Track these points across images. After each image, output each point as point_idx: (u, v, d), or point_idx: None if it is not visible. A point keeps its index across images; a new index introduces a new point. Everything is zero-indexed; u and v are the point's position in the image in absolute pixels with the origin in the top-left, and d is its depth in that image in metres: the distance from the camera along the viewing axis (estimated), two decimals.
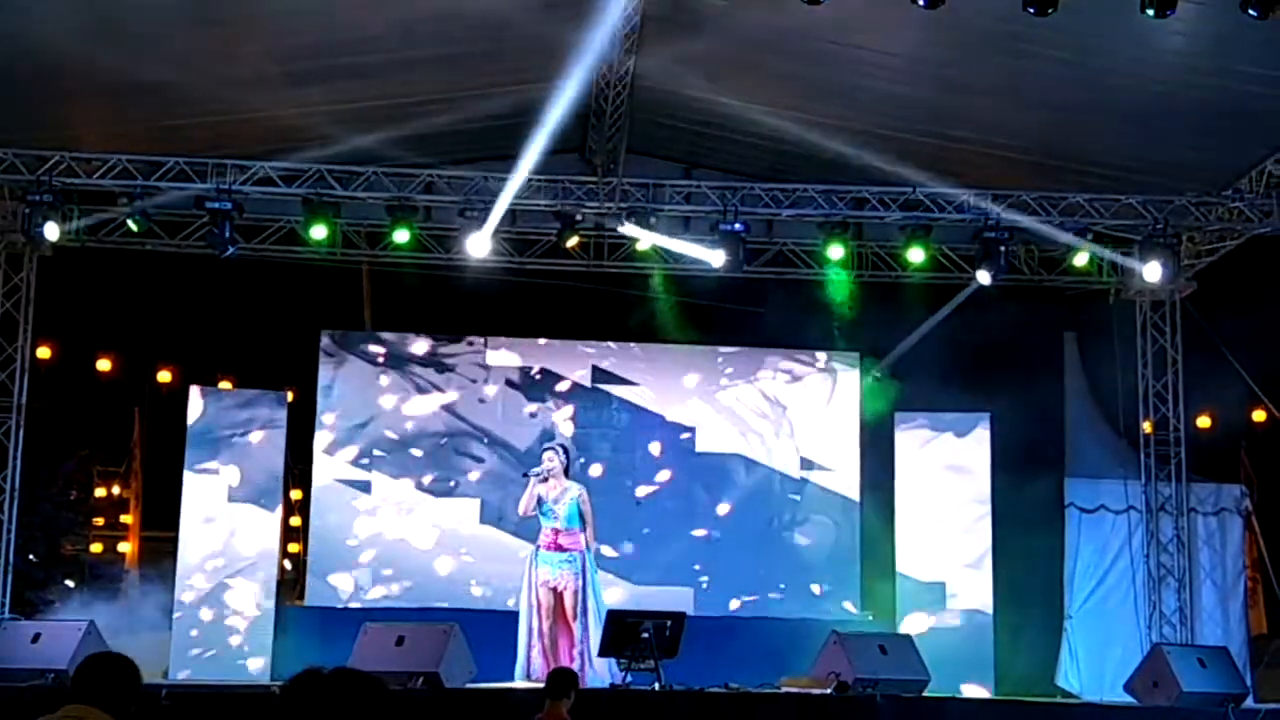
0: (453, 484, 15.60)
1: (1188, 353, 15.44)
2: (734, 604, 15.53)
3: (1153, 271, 14.34)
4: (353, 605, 15.00)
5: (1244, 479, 17.31)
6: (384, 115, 13.83)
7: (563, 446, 13.28)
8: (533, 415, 15.75)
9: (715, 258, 14.46)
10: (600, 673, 12.37)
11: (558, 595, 12.68)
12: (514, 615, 13.06)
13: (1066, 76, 12.18)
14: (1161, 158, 13.77)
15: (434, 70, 13.18)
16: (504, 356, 15.89)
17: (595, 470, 15.49)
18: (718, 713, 11.39)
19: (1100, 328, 15.81)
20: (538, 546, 12.88)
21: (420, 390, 15.71)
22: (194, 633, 14.64)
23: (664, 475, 15.80)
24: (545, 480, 12.78)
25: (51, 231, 13.69)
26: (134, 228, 14.25)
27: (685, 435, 15.88)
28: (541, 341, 15.99)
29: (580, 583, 12.70)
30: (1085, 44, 11.55)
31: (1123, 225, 14.61)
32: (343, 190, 14.06)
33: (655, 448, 15.85)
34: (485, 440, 15.69)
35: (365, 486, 15.50)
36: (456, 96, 13.70)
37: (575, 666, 12.15)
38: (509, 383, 15.81)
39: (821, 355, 16.07)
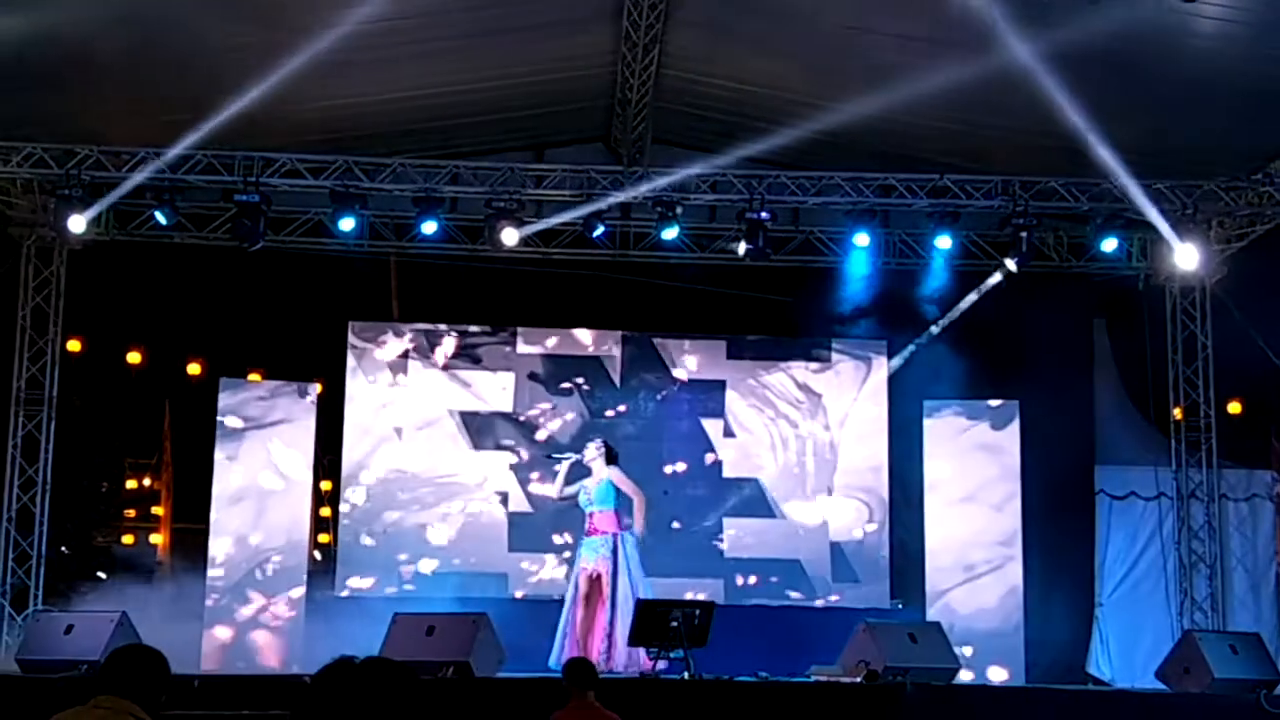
0: (481, 475, 15.62)
1: (1217, 338, 15.37)
2: (762, 594, 15.49)
3: (1189, 257, 14.22)
4: (383, 595, 15.04)
5: (1275, 464, 17.20)
6: (410, 106, 13.87)
7: (604, 440, 13.42)
8: (553, 407, 15.75)
9: (742, 246, 14.45)
10: (620, 660, 12.39)
11: (594, 582, 12.80)
12: (544, 603, 13.21)
13: (1094, 61, 12.10)
14: (1190, 142, 13.69)
15: (461, 60, 13.19)
16: (531, 346, 15.89)
17: (622, 459, 15.45)
18: (747, 702, 11.38)
19: (1129, 314, 15.74)
20: (581, 534, 13.10)
21: (448, 381, 15.73)
22: (225, 623, 14.71)
23: (692, 463, 15.78)
24: (587, 474, 13.07)
25: (76, 224, 13.71)
26: (162, 221, 14.30)
27: (713, 422, 15.86)
28: (568, 331, 15.98)
29: (611, 566, 12.78)
30: (1113, 29, 11.48)
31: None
32: (369, 182, 14.08)
33: (683, 436, 15.83)
34: (513, 429, 15.71)
35: (394, 477, 15.54)
36: (483, 87, 13.72)
37: (602, 650, 12.26)
38: (535, 373, 15.82)
39: (849, 343, 16.03)
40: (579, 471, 13.16)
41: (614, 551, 12.82)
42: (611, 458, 13.17)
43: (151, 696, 4.40)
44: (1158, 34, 11.52)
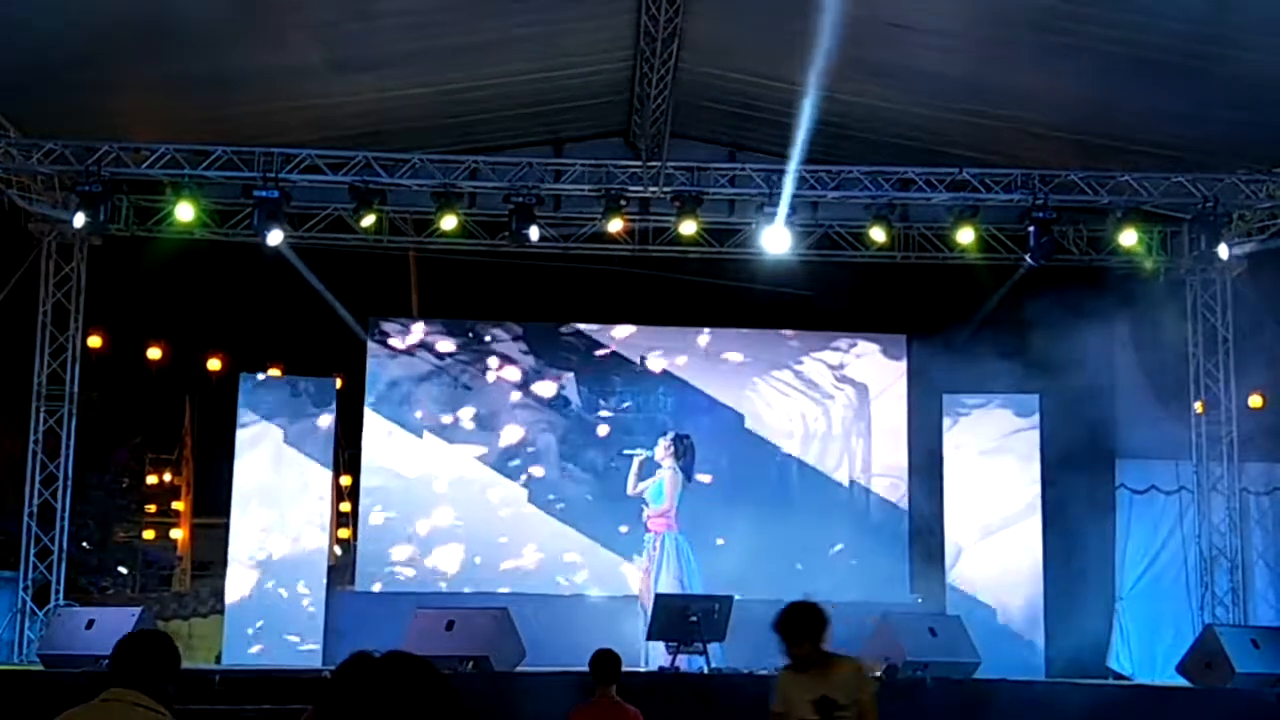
0: (501, 467, 15.64)
1: (1238, 331, 15.30)
2: (784, 588, 15.46)
3: (1223, 251, 14.15)
4: (403, 590, 15.06)
5: None
6: (429, 101, 13.87)
7: (676, 435, 13.58)
8: (565, 397, 15.77)
9: (777, 238, 14.16)
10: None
11: (645, 578, 13.34)
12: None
13: (1114, 54, 12.07)
14: (1211, 135, 13.62)
15: (480, 56, 13.18)
16: (552, 340, 15.91)
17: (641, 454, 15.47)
18: (767, 696, 11.36)
19: (1150, 307, 15.65)
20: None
21: (468, 374, 15.75)
22: (246, 618, 14.73)
23: (712, 457, 15.76)
24: (644, 468, 13.53)
25: (78, 220, 13.59)
26: (184, 216, 14.30)
27: (734, 418, 15.85)
28: (588, 325, 16.00)
29: (652, 563, 13.26)
30: (1133, 20, 11.44)
31: (1172, 204, 14.47)
32: (389, 177, 14.07)
33: (704, 431, 15.81)
34: (533, 423, 15.71)
35: (414, 472, 15.56)
36: (501, 82, 13.72)
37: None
38: (555, 366, 15.83)
39: (868, 337, 16.00)
40: (650, 468, 13.55)
41: (657, 549, 13.24)
42: (681, 454, 13.39)
43: (159, 681, 4.28)
44: (1177, 26, 11.47)
